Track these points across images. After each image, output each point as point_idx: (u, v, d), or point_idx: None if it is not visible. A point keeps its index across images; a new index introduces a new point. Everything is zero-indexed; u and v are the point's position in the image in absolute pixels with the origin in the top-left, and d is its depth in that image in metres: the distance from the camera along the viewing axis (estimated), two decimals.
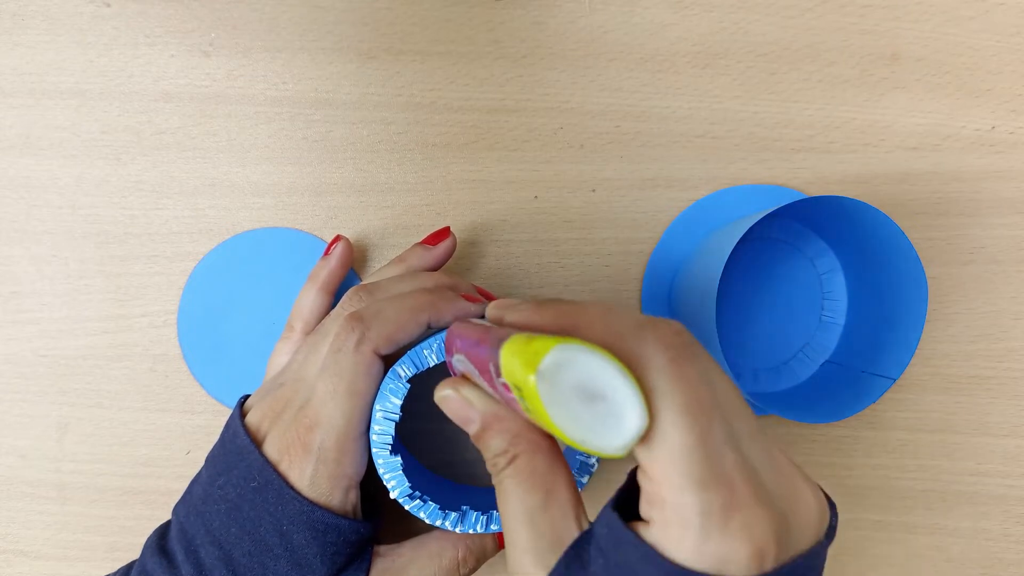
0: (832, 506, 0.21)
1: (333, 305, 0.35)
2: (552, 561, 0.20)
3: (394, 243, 0.39)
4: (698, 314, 0.33)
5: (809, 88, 0.38)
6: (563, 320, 0.20)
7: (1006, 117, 0.38)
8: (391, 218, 0.38)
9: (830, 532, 0.20)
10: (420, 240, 0.36)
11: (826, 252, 0.38)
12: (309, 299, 0.35)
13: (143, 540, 0.31)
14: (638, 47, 0.38)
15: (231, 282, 0.38)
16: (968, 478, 0.39)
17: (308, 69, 0.38)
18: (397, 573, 0.30)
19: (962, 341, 0.39)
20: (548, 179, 0.38)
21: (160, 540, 0.30)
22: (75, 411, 0.39)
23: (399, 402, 0.28)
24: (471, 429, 0.23)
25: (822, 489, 0.21)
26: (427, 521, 0.29)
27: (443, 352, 0.28)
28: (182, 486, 0.31)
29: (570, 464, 0.29)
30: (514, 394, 0.18)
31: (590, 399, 0.17)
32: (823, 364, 0.38)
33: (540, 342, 0.17)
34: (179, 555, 0.28)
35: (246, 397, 0.32)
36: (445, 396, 0.24)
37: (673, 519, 0.18)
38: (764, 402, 0.34)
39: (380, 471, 0.28)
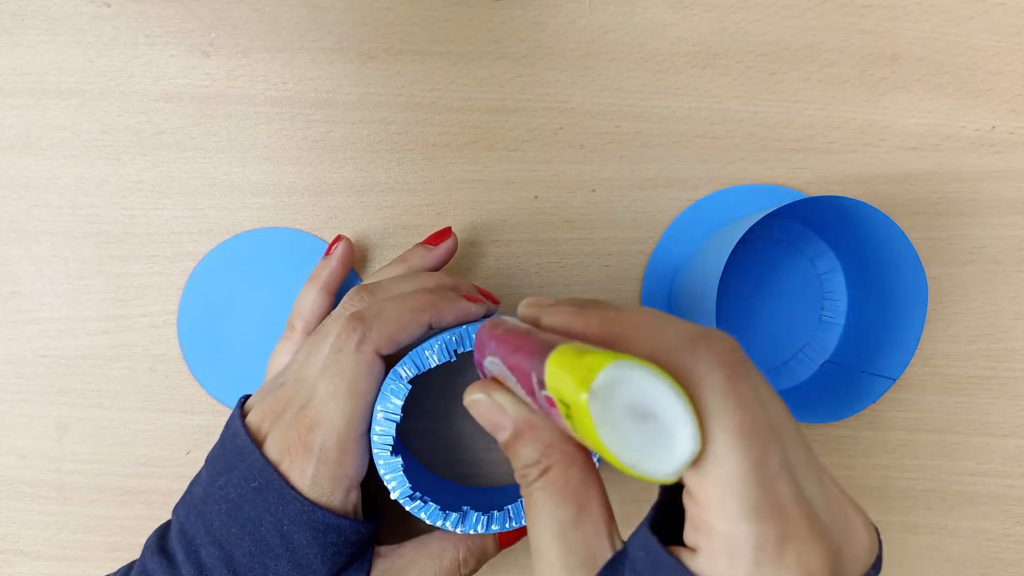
0: (879, 535, 0.20)
1: (334, 305, 0.35)
2: None
3: (394, 243, 0.39)
4: (698, 314, 0.33)
5: (809, 88, 0.38)
6: (609, 328, 0.19)
7: (1006, 117, 0.38)
8: (391, 218, 0.38)
9: (877, 563, 0.19)
10: (421, 240, 0.36)
11: (826, 252, 0.38)
12: (310, 299, 0.35)
13: (143, 540, 0.31)
14: (638, 47, 0.38)
15: (231, 282, 0.38)
16: (968, 478, 0.39)
17: (308, 69, 0.38)
18: (398, 573, 0.30)
19: (962, 341, 0.39)
20: (548, 179, 0.38)
21: (160, 540, 0.30)
22: (75, 411, 0.39)
23: (400, 403, 0.28)
24: (501, 436, 0.22)
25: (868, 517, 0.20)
26: (428, 522, 0.29)
27: (444, 353, 0.28)
28: (182, 486, 0.31)
29: None
30: (559, 409, 0.17)
31: (641, 419, 0.16)
32: (823, 364, 0.38)
33: (593, 358, 0.16)
34: (179, 555, 0.28)
35: (246, 397, 0.32)
36: (475, 400, 0.23)
37: (722, 548, 0.17)
38: None
39: (381, 472, 0.28)
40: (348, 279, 0.38)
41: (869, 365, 0.36)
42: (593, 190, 0.38)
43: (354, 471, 0.28)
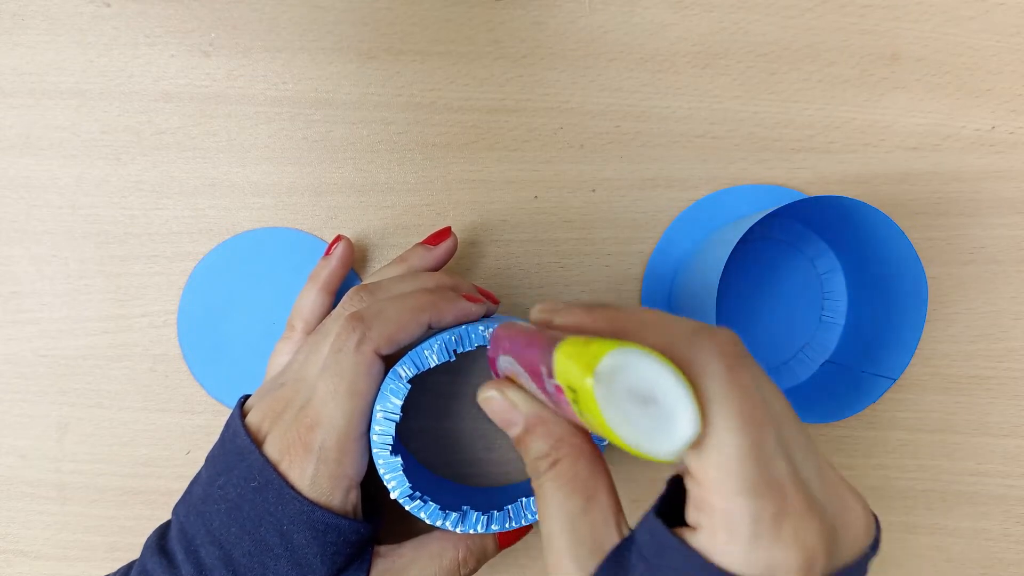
0: (876, 520, 0.21)
1: (334, 305, 0.35)
2: (592, 566, 0.20)
3: (394, 243, 0.39)
4: (698, 314, 0.33)
5: (809, 88, 0.38)
6: (616, 324, 0.20)
7: (1006, 117, 0.38)
8: (391, 218, 0.38)
9: (875, 544, 0.20)
10: (421, 240, 0.36)
11: (826, 252, 0.38)
12: (310, 299, 0.35)
13: (143, 540, 0.31)
14: (638, 47, 0.38)
15: (231, 282, 0.38)
16: (968, 478, 0.39)
17: (308, 69, 0.38)
18: (398, 573, 0.30)
19: (962, 341, 0.39)
20: (548, 179, 0.38)
21: (160, 540, 0.30)
22: (75, 411, 0.39)
23: (400, 402, 0.28)
24: (513, 431, 0.23)
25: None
26: (427, 521, 0.29)
27: (443, 352, 0.28)
28: (182, 486, 0.31)
29: None
30: (567, 396, 0.18)
31: (644, 403, 0.17)
32: (823, 364, 0.38)
33: (598, 345, 0.17)
34: (179, 555, 0.28)
35: (246, 397, 0.32)
36: (489, 397, 0.24)
37: (722, 525, 0.17)
38: None
39: (380, 471, 0.28)
40: (348, 279, 0.38)
41: (869, 365, 0.36)
42: (593, 190, 0.38)
43: (354, 471, 0.28)
